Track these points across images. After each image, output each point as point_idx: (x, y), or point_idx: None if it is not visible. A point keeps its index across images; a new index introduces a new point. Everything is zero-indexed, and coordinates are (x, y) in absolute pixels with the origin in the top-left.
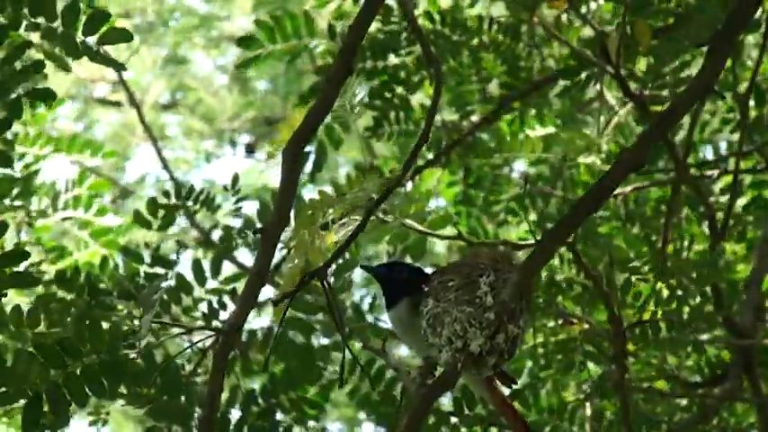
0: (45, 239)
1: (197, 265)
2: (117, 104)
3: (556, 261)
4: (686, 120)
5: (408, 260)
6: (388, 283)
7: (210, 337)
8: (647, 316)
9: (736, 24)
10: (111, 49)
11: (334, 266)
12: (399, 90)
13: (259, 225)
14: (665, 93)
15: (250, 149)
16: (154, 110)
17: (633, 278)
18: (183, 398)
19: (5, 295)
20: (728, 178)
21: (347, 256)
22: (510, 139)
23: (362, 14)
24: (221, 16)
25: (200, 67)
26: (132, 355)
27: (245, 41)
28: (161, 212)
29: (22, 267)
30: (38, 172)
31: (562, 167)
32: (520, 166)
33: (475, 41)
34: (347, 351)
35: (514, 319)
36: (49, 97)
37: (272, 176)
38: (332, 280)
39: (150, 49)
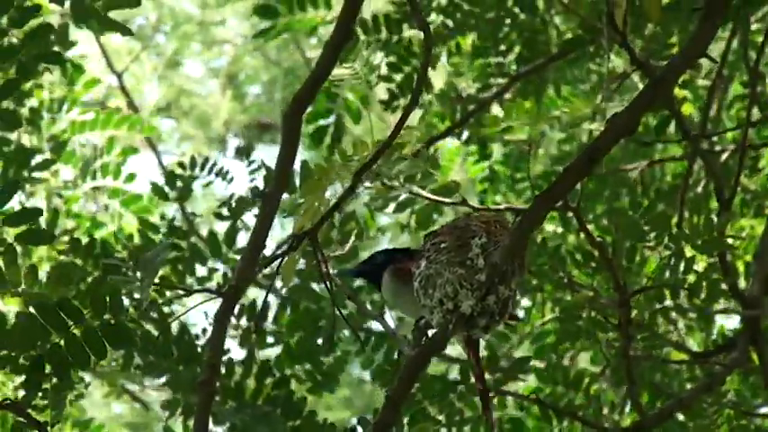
0: (75, 210)
1: (212, 237)
2: (116, 110)
3: (560, 229)
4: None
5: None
6: (368, 275)
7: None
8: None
9: None
10: (111, 54)
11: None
12: (415, 62)
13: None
14: None
15: (240, 153)
16: (150, 115)
17: (639, 246)
18: (198, 369)
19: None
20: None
21: (361, 226)
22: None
23: None
24: (216, 21)
25: (193, 70)
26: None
27: (262, 10)
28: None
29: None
30: (67, 142)
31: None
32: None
33: (492, 14)
34: (338, 312)
35: (506, 280)
36: (58, 61)
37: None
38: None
39: (149, 55)
